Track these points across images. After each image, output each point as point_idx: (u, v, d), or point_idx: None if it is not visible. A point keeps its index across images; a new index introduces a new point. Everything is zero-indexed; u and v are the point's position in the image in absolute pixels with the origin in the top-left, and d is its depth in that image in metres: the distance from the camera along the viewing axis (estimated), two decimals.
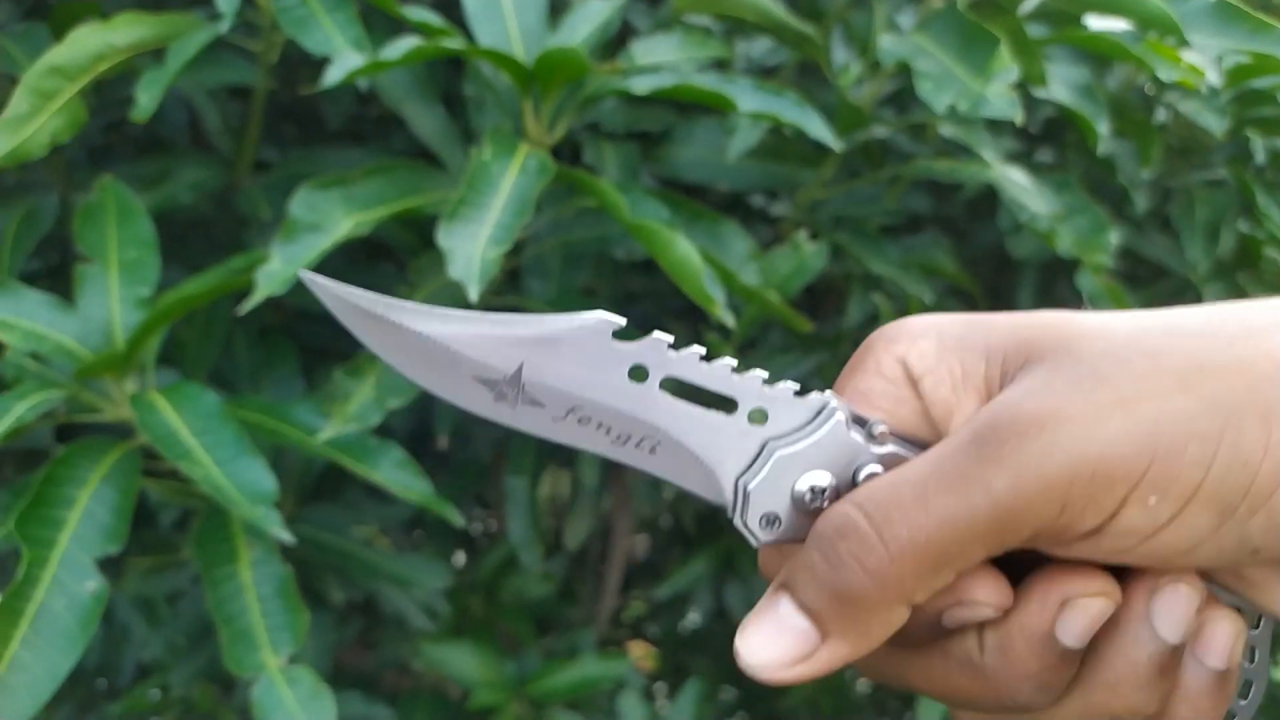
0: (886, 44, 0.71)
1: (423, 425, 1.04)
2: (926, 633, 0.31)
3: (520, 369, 0.30)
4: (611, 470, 1.13)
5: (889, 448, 0.31)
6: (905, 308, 0.86)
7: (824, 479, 0.31)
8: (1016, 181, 0.77)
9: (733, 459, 0.31)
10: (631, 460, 0.31)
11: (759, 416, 0.31)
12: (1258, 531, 0.27)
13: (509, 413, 0.31)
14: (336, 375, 0.64)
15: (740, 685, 1.67)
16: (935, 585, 0.29)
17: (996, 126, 1.09)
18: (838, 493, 0.31)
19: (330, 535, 0.77)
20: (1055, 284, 1.18)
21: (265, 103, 0.79)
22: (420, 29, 0.65)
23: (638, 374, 0.30)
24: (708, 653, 1.67)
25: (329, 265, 0.56)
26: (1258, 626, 0.32)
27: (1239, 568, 0.29)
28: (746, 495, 0.31)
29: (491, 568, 1.20)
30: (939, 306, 1.04)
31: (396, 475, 0.63)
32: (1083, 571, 0.29)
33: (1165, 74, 0.88)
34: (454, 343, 0.30)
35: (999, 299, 1.28)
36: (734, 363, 0.30)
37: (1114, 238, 0.86)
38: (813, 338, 0.94)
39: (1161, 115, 1.18)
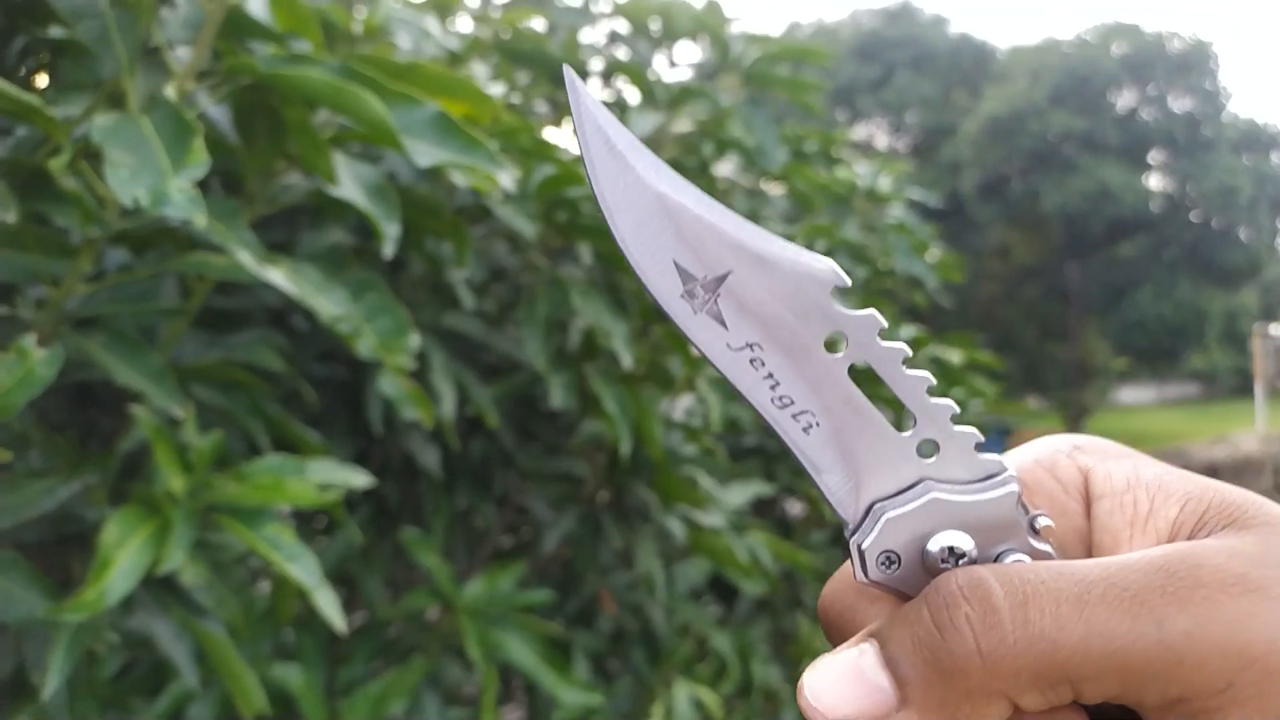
0: (100, 123, 0.62)
1: None
2: None
3: (726, 276, 0.27)
4: None
5: (1045, 547, 0.28)
6: (174, 422, 0.77)
7: (966, 543, 0.28)
8: (281, 284, 0.72)
9: (882, 477, 0.28)
10: (781, 428, 0.28)
11: (928, 448, 0.28)
12: None
13: (687, 314, 0.27)
14: None
15: None
16: (1050, 698, 0.25)
17: (319, 218, 1.05)
18: (971, 560, 0.28)
19: None
20: None
21: None
22: None
23: (833, 344, 0.27)
24: None
25: None
26: None
27: None
28: (878, 521, 0.28)
29: None
30: (267, 413, 0.96)
31: None
32: None
33: (461, 179, 0.90)
34: (678, 214, 0.27)
35: (351, 391, 1.24)
36: (932, 380, 0.28)
37: (415, 340, 0.86)
38: (83, 457, 0.80)
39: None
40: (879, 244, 2.55)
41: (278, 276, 0.71)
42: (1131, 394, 20.63)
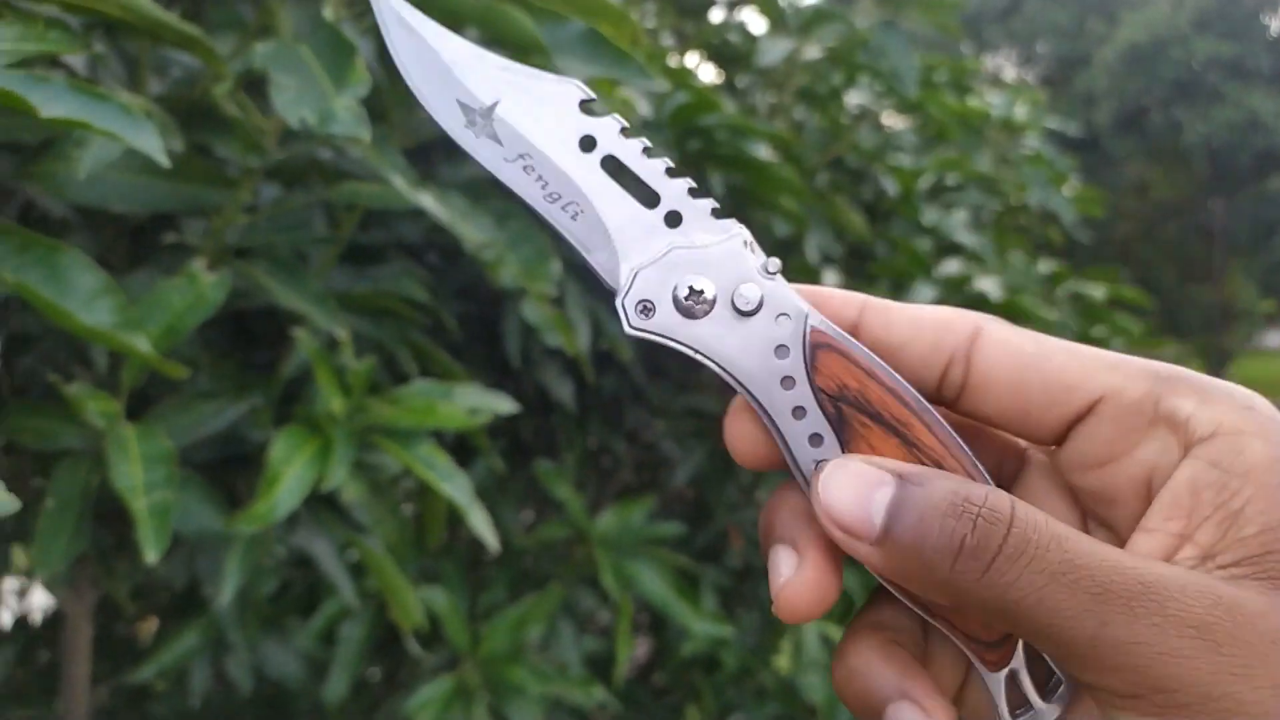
0: (261, 50, 0.63)
1: None
2: None
3: (495, 104, 0.34)
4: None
5: (776, 282, 0.33)
6: (332, 343, 0.79)
7: (706, 285, 0.33)
8: (433, 208, 0.73)
9: (638, 248, 0.33)
10: (554, 219, 0.34)
11: (674, 219, 0.33)
12: None
13: (472, 140, 0.34)
14: None
15: None
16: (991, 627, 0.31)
17: (459, 152, 1.06)
18: (714, 302, 0.33)
19: None
20: None
21: None
22: None
23: (587, 145, 0.33)
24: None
25: None
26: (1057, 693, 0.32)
27: None
28: (634, 280, 0.33)
29: None
30: (413, 342, 0.98)
31: None
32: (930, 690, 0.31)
33: (597, 107, 0.90)
34: (454, 65, 0.34)
35: (487, 326, 1.26)
36: (670, 163, 0.33)
37: (557, 267, 0.86)
38: (248, 380, 0.84)
39: None
40: (1013, 176, 2.45)
41: (429, 201, 0.72)
42: (1279, 338, 19.43)
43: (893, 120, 2.14)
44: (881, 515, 0.29)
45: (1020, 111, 2.61)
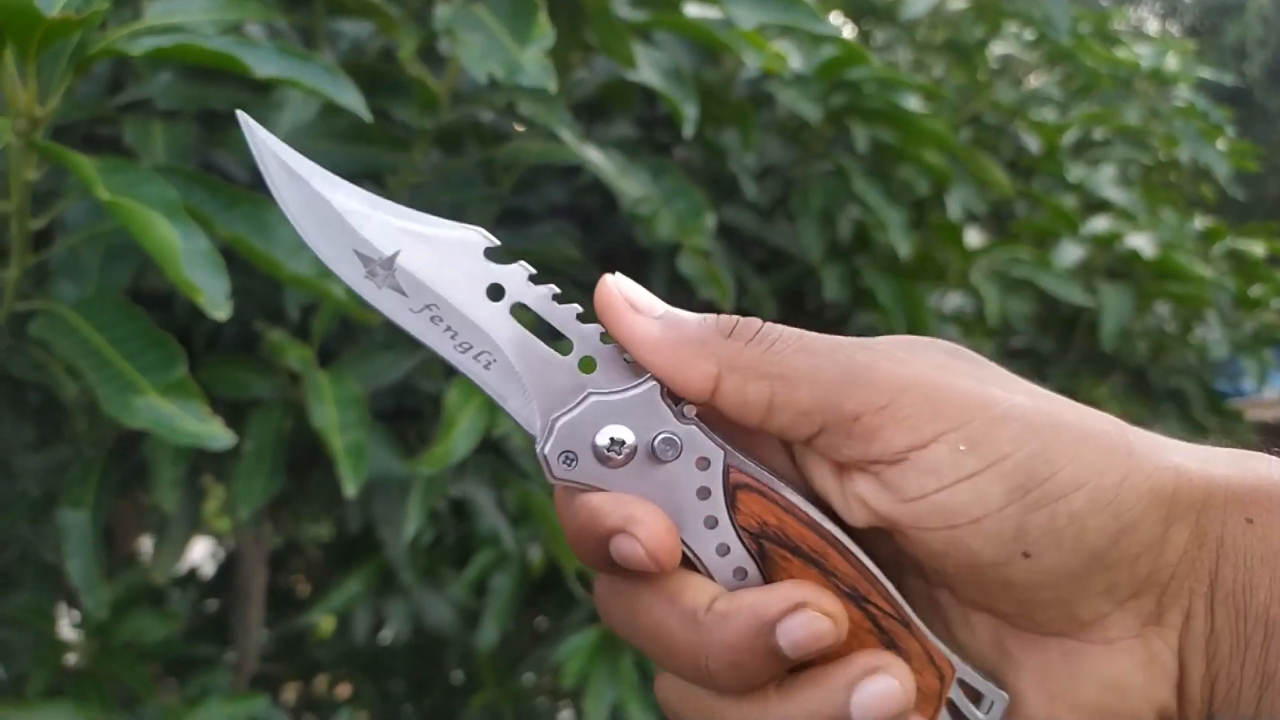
0: (441, 13, 0.66)
1: None
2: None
3: (396, 255, 0.33)
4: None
5: (691, 426, 0.33)
6: None
7: (626, 434, 0.33)
8: (598, 162, 0.75)
9: (553, 395, 0.33)
10: (467, 369, 0.33)
11: (588, 365, 0.33)
12: (1035, 529, 0.30)
13: (373, 291, 0.33)
14: None
15: (420, 703, 1.60)
16: (754, 389, 0.32)
17: (607, 113, 1.08)
18: (634, 450, 0.33)
19: None
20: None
21: None
22: None
23: (495, 293, 0.33)
24: (400, 670, 1.59)
25: None
26: (988, 712, 0.34)
27: (999, 575, 0.31)
28: (554, 430, 0.33)
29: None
30: (565, 298, 1.01)
31: None
32: (824, 590, 0.32)
33: (751, 60, 0.90)
34: (348, 214, 0.33)
35: None
36: (580, 309, 0.33)
37: (712, 220, 0.87)
38: None
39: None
40: (1163, 130, 2.33)
41: (595, 154, 0.74)
42: None
43: (1034, 76, 2.06)
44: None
45: (1171, 62, 2.48)
